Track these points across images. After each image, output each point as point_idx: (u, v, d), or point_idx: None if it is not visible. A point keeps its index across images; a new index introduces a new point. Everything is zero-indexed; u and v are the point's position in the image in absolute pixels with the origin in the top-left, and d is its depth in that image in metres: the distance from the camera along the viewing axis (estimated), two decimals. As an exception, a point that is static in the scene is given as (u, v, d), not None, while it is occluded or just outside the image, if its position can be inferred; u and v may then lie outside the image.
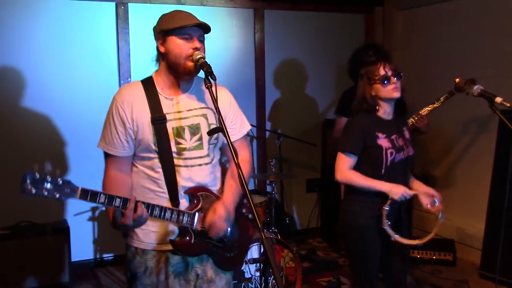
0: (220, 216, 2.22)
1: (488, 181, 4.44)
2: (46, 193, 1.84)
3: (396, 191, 2.74)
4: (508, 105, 2.58)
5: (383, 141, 2.84)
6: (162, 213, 2.15)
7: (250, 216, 2.51)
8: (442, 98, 3.67)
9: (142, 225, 2.15)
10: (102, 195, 1.98)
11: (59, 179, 1.87)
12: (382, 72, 2.84)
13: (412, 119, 3.64)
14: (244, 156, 2.48)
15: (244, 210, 2.46)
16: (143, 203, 2.09)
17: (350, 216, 2.94)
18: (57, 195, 1.86)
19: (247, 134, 2.55)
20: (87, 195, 1.94)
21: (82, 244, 4.68)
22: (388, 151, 2.82)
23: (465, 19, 4.90)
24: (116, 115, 2.22)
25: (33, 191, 1.80)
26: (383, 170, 2.83)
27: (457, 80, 3.48)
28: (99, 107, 4.66)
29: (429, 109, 3.68)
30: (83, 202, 4.94)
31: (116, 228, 2.14)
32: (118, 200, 2.01)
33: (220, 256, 2.35)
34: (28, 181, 1.79)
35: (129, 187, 2.28)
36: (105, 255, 4.85)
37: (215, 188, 2.39)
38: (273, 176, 4.27)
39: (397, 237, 2.79)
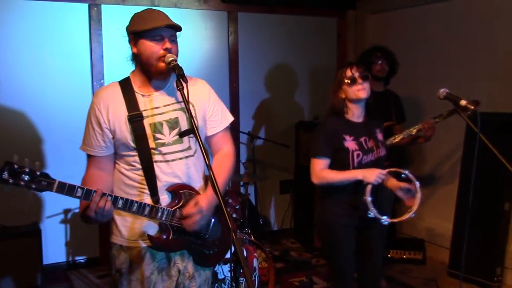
0: (199, 210, 2.22)
1: (456, 181, 4.56)
2: (22, 183, 1.90)
3: (369, 174, 2.81)
4: (472, 107, 2.65)
5: (350, 144, 2.92)
6: (141, 209, 2.17)
7: (234, 215, 2.55)
8: (445, 113, 3.60)
9: (107, 218, 2.16)
10: (79, 189, 2.02)
11: (37, 171, 1.92)
12: (349, 73, 2.93)
13: (421, 125, 3.67)
14: (227, 149, 2.49)
15: (227, 209, 2.49)
16: (121, 198, 2.13)
17: (324, 215, 3.03)
18: (33, 186, 1.92)
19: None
20: (64, 188, 1.98)
21: (54, 247, 4.64)
22: (355, 153, 2.91)
23: (434, 23, 5.01)
24: (93, 117, 2.26)
25: (10, 180, 1.87)
26: None
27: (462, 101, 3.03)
28: (72, 109, 4.68)
29: (433, 122, 3.68)
30: (55, 204, 4.89)
31: (84, 220, 2.16)
32: (80, 190, 2.03)
33: (199, 253, 2.38)
34: (6, 171, 1.86)
35: (106, 184, 2.29)
36: (77, 258, 4.81)
37: (199, 182, 2.40)
38: (247, 177, 4.30)
39: (374, 211, 2.82)
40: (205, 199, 2.27)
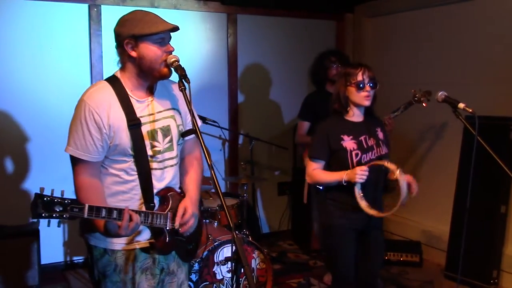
0: (192, 216, 2.31)
1: (453, 184, 4.58)
2: (56, 215, 1.91)
3: (352, 175, 2.81)
4: (470, 110, 2.67)
5: (348, 143, 2.93)
6: (146, 219, 2.19)
7: (201, 208, 2.62)
8: (401, 107, 3.82)
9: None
10: (103, 209, 2.02)
11: (66, 199, 1.93)
12: (359, 77, 2.90)
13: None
14: (197, 153, 2.56)
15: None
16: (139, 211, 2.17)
17: (326, 217, 3.05)
18: (67, 216, 1.93)
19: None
20: (93, 211, 1.99)
21: (52, 247, 4.63)
22: (353, 153, 2.92)
23: (430, 28, 5.04)
24: (90, 121, 2.15)
25: (45, 214, 1.89)
26: None
27: (413, 91, 3.50)
28: (71, 109, 4.65)
29: (392, 116, 3.81)
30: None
31: (109, 236, 2.19)
32: (115, 212, 2.05)
33: (184, 249, 2.45)
34: (40, 206, 1.88)
35: (103, 192, 2.25)
36: (75, 258, 4.82)
37: (178, 186, 2.45)
38: (245, 179, 4.32)
39: (371, 211, 2.82)
40: (190, 202, 2.35)
